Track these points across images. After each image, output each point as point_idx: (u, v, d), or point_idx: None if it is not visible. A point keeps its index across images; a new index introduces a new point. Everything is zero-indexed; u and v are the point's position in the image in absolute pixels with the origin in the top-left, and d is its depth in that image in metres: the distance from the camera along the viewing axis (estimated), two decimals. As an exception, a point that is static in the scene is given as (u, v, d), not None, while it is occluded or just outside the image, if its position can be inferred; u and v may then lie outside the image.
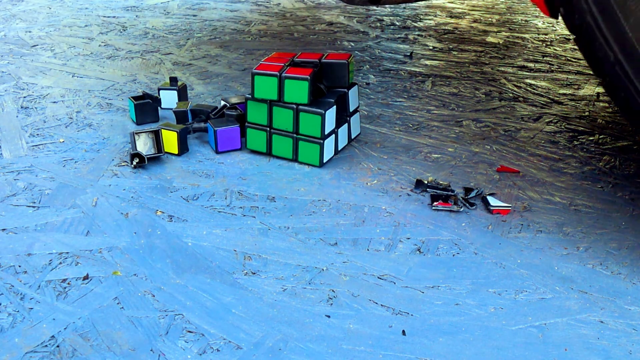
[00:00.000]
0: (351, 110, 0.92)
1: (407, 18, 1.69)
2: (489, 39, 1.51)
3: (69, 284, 0.62)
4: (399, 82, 1.20)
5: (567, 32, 1.56)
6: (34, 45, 1.37)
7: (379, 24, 1.62)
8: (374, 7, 1.74)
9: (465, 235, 0.72)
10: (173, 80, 1.04)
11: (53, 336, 0.56)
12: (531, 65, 1.32)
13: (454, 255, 0.69)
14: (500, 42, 1.48)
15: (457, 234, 0.72)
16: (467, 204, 0.77)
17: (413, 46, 1.43)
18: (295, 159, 0.87)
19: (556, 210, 0.78)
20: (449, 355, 0.55)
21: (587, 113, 1.07)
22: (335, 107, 0.85)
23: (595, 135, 0.99)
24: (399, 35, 1.52)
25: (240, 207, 0.76)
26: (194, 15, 1.67)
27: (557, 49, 1.43)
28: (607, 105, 1.11)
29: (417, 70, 1.27)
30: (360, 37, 1.49)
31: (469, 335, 0.57)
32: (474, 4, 1.87)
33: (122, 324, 0.58)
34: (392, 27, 1.60)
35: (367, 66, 1.28)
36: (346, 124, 0.91)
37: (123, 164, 0.86)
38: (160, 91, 1.04)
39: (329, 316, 0.59)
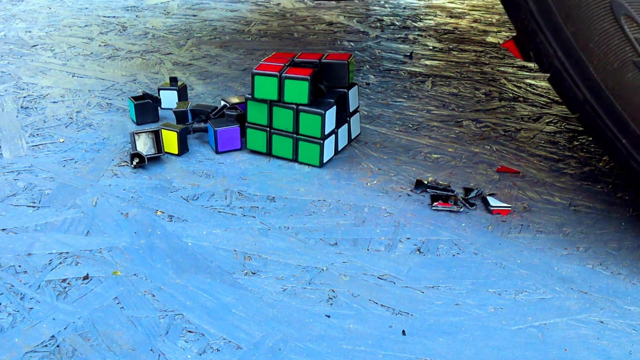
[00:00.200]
0: (351, 110, 0.92)
1: (407, 18, 1.69)
2: (489, 39, 1.51)
3: (69, 283, 0.62)
4: (399, 82, 1.20)
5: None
6: (34, 45, 1.37)
7: (379, 24, 1.62)
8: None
9: (465, 235, 0.72)
10: (173, 80, 1.04)
11: (53, 336, 0.56)
12: (531, 65, 1.32)
13: (454, 255, 0.69)
14: (500, 42, 1.48)
15: (457, 234, 0.72)
16: (467, 204, 0.77)
17: (413, 46, 1.43)
18: (295, 159, 0.87)
19: (556, 210, 0.78)
20: (449, 355, 0.55)
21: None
22: (335, 107, 0.86)
23: (595, 135, 0.99)
24: (399, 35, 1.52)
25: (240, 207, 0.76)
26: (194, 15, 1.67)
27: (557, 49, 1.43)
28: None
29: (417, 70, 1.27)
30: (360, 37, 1.49)
31: (469, 335, 0.57)
32: (474, 4, 1.87)
33: (122, 324, 0.58)
34: (392, 27, 1.60)
35: (367, 66, 1.29)
36: (346, 124, 0.91)
37: (123, 164, 0.86)
38: (160, 91, 1.04)
39: (329, 316, 0.59)
